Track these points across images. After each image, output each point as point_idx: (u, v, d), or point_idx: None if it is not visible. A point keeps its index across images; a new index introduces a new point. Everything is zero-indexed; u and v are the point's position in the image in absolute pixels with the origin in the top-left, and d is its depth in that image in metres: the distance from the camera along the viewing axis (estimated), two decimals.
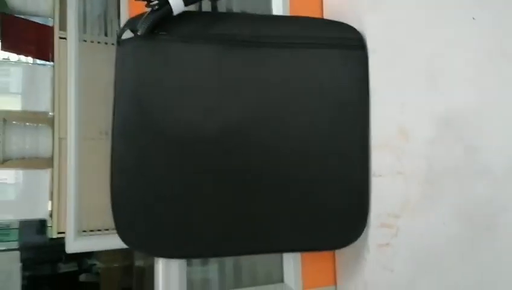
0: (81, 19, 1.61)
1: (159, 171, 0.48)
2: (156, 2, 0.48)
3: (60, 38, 1.66)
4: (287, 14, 0.60)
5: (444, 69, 0.44)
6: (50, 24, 1.68)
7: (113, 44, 1.70)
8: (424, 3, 0.47)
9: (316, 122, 0.52)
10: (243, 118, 0.50)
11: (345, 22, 0.56)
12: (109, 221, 1.60)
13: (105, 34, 1.66)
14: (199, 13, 0.52)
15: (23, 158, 1.69)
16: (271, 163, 0.50)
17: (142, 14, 0.50)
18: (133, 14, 1.53)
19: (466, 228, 0.42)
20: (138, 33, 0.48)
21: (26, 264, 2.81)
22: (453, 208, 0.43)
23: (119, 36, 0.50)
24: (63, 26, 1.69)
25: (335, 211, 0.52)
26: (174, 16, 0.49)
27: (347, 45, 0.53)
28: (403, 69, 0.49)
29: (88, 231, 1.64)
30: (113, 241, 1.59)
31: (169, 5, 0.48)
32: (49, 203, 1.73)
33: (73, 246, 1.40)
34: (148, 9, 0.49)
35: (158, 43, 0.49)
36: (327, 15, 0.62)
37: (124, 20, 1.52)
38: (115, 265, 2.73)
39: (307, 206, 0.51)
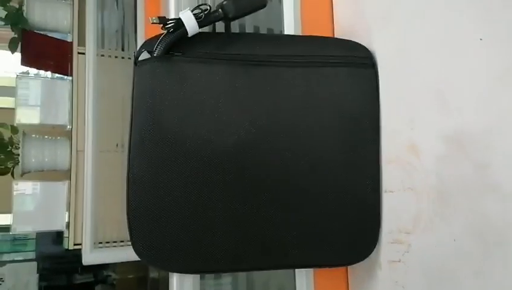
0: (99, 35, 1.65)
1: (173, 186, 0.50)
2: (172, 24, 0.50)
3: (79, 53, 1.71)
4: (299, 33, 0.61)
5: (452, 88, 0.45)
6: (69, 39, 1.73)
7: (129, 58, 1.75)
8: (431, 23, 0.48)
9: (328, 138, 0.53)
10: (256, 135, 0.51)
11: (355, 40, 0.57)
12: (124, 233, 1.62)
13: (122, 49, 1.71)
14: (213, 34, 0.54)
15: (41, 170, 1.73)
16: (283, 178, 0.51)
17: (158, 36, 0.51)
18: (149, 30, 1.57)
19: (477, 244, 0.42)
20: (154, 54, 0.50)
21: (43, 274, 2.85)
22: (464, 224, 0.43)
23: (136, 57, 0.51)
24: (81, 42, 1.74)
25: (347, 226, 0.52)
26: (189, 37, 0.51)
27: (357, 63, 0.54)
28: (412, 87, 0.50)
29: (104, 243, 1.67)
30: (129, 254, 1.61)
31: (185, 28, 0.50)
32: (66, 215, 1.76)
33: (89, 258, 1.42)
34: (164, 31, 0.51)
35: (174, 63, 0.50)
36: (338, 33, 0.63)
37: (140, 35, 1.56)
38: (130, 276, 2.76)
39: (319, 222, 0.52)
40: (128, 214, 0.50)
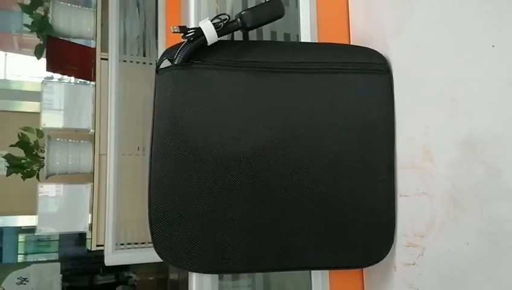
0: (121, 41, 1.69)
1: (193, 188, 0.51)
2: (192, 33, 0.52)
3: (101, 59, 1.75)
4: (315, 38, 0.63)
5: (465, 94, 0.46)
6: (92, 46, 1.77)
7: (151, 64, 1.79)
8: (445, 30, 0.48)
9: (344, 144, 0.54)
10: (273, 139, 0.53)
11: (371, 46, 0.58)
12: (145, 234, 1.65)
13: (144, 55, 1.74)
14: (231, 42, 0.56)
15: (65, 173, 1.78)
16: (300, 182, 0.53)
17: (178, 45, 0.53)
18: (170, 36, 1.60)
19: (490, 248, 0.43)
20: (175, 62, 0.52)
21: (65, 275, 2.90)
22: (477, 228, 0.44)
23: (157, 66, 0.54)
24: (104, 48, 1.78)
25: (363, 229, 0.53)
26: (208, 46, 0.53)
27: (373, 69, 0.55)
28: (426, 93, 0.51)
29: (126, 244, 1.70)
30: (150, 255, 1.64)
31: (204, 37, 0.52)
32: (89, 216, 1.81)
33: (111, 259, 1.46)
34: (184, 40, 0.53)
35: (193, 71, 0.52)
36: (354, 40, 0.64)
37: (161, 42, 1.59)
38: (150, 278, 2.80)
39: (335, 225, 0.53)
40: (149, 215, 0.52)
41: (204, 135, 0.52)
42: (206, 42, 0.53)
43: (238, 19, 0.54)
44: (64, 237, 3.17)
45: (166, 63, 0.54)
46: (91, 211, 1.72)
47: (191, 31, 0.52)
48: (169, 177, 0.52)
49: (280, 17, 0.55)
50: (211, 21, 0.53)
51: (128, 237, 1.63)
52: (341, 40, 0.65)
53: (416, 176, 0.52)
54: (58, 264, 2.71)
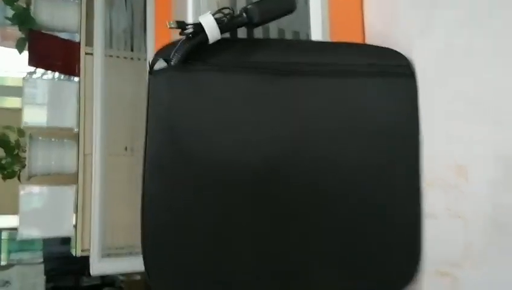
0: (108, 35, 1.60)
1: (193, 210, 0.45)
2: (191, 30, 0.45)
3: (86, 53, 1.67)
4: (327, 37, 0.56)
5: (507, 103, 0.40)
6: (76, 40, 1.68)
7: (139, 59, 1.70)
8: (478, 31, 0.42)
9: (362, 155, 0.47)
10: (283, 152, 0.46)
11: (389, 47, 0.52)
12: (134, 239, 1.57)
13: (131, 49, 1.65)
14: (235, 40, 0.49)
15: (48, 174, 1.69)
16: (313, 201, 0.46)
17: (175, 42, 0.46)
18: (159, 30, 1.52)
19: None
20: (172, 63, 0.45)
21: (50, 274, 2.82)
22: None
23: (151, 66, 0.46)
24: (89, 42, 1.69)
25: (383, 254, 0.47)
26: (209, 44, 0.46)
27: (395, 72, 0.49)
28: (458, 100, 0.45)
29: (113, 249, 1.62)
30: (138, 263, 1.57)
31: (205, 33, 0.45)
32: (73, 220, 1.72)
33: (98, 268, 1.37)
34: (182, 37, 0.46)
35: (192, 73, 0.45)
36: (370, 38, 0.57)
37: (150, 36, 1.51)
38: (137, 279, 2.72)
39: (352, 249, 0.47)
40: (143, 244, 0.45)
41: (205, 147, 0.46)
42: (207, 40, 0.46)
43: (244, 14, 0.47)
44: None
45: (161, 64, 0.47)
46: (75, 214, 1.64)
47: (189, 26, 0.45)
48: (167, 199, 0.45)
49: (291, 11, 0.48)
50: (213, 15, 0.46)
51: (115, 242, 1.55)
52: (355, 37, 0.58)
53: (447, 194, 0.45)
54: (41, 266, 2.62)
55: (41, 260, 2.92)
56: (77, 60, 1.63)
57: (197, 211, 0.46)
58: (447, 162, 0.46)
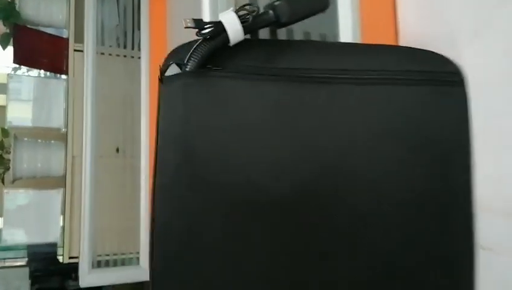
0: (99, 31, 1.52)
1: (214, 243, 0.38)
2: (210, 29, 0.38)
3: (75, 50, 1.58)
4: (357, 39, 0.49)
5: None
6: (64, 35, 1.59)
7: (132, 57, 1.62)
8: None
9: (406, 176, 0.41)
10: (319, 175, 0.39)
11: (431, 50, 0.45)
12: (125, 245, 1.49)
13: (125, 46, 1.57)
14: (259, 42, 0.42)
15: (34, 177, 1.60)
16: (352, 233, 0.40)
17: (189, 44, 0.39)
18: (155, 26, 1.44)
19: None
20: (187, 69, 0.38)
21: (35, 275, 2.74)
22: None
23: (162, 72, 0.39)
24: (77, 38, 1.60)
25: None
26: (230, 47, 0.39)
27: (443, 80, 0.43)
28: None
29: (103, 255, 1.53)
30: (128, 274, 1.49)
31: (226, 34, 0.38)
32: (60, 225, 1.64)
33: (87, 279, 1.28)
34: (198, 38, 0.39)
35: (211, 81, 0.38)
36: (405, 41, 0.51)
37: (144, 32, 1.43)
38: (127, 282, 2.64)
39: (390, 286, 0.41)
40: (152, 269, 0.38)
41: (225, 170, 0.39)
42: (228, 41, 0.39)
43: (271, 11, 0.40)
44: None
45: (173, 69, 0.40)
46: (63, 220, 1.56)
47: (208, 25, 0.38)
48: (180, 227, 0.38)
49: (324, 9, 0.42)
50: (236, 13, 0.39)
51: (106, 248, 1.47)
52: (387, 40, 0.51)
53: (507, 223, 0.39)
54: (26, 270, 2.53)
55: (26, 259, 2.82)
56: (65, 57, 1.54)
57: (213, 242, 0.39)
58: (508, 185, 0.39)
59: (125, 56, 1.51)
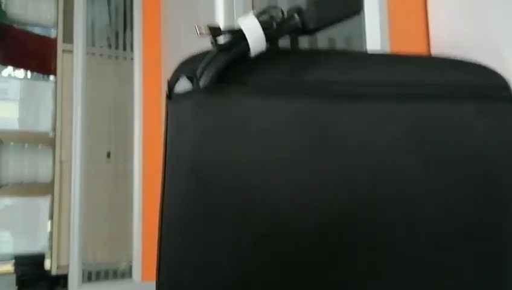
0: (89, 31, 1.45)
1: (234, 285, 0.32)
2: (229, 39, 0.32)
3: (64, 51, 1.50)
4: (386, 47, 0.44)
5: None
6: (52, 35, 1.52)
7: (125, 58, 1.55)
8: None
9: (454, 209, 0.36)
10: (352, 207, 0.34)
11: (471, 60, 0.40)
12: (117, 254, 1.43)
13: (116, 47, 1.50)
14: (282, 52, 0.36)
15: (21, 183, 1.53)
16: (387, 277, 0.34)
17: (202, 54, 0.34)
18: (149, 25, 1.38)
19: None
20: (200, 84, 0.32)
21: (21, 279, 2.65)
22: None
23: (169, 87, 0.33)
24: (66, 38, 1.53)
25: None
26: (251, 58, 0.33)
27: (489, 95, 0.38)
28: None
29: (94, 264, 1.47)
30: (119, 288, 1.43)
31: (246, 42, 0.32)
32: (48, 234, 1.57)
33: None
34: (212, 48, 0.33)
35: (229, 98, 0.33)
36: (437, 50, 0.46)
37: (137, 33, 1.36)
38: None
39: None
40: None
41: (246, 202, 0.33)
42: (249, 51, 0.33)
43: (296, 16, 0.35)
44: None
45: (184, 84, 0.34)
46: (51, 228, 1.49)
47: (225, 33, 0.33)
48: (191, 266, 0.33)
49: (357, 13, 0.36)
50: (257, 17, 0.33)
51: (97, 258, 1.40)
52: (418, 49, 0.46)
53: None
54: (13, 277, 2.45)
55: (13, 262, 2.73)
56: (53, 57, 1.47)
57: (232, 284, 0.33)
58: None
59: (116, 57, 1.44)
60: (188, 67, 0.34)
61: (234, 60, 0.33)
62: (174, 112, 0.33)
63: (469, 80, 0.38)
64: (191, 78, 0.33)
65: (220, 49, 0.33)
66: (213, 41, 0.33)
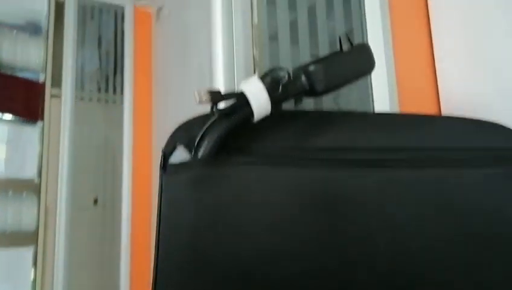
0: (78, 75, 1.42)
1: None
2: (230, 104, 0.29)
3: (52, 96, 1.47)
4: (395, 105, 0.41)
5: None
6: (40, 80, 1.49)
7: (115, 102, 1.52)
8: None
9: (481, 277, 0.32)
10: (370, 280, 0.30)
11: (486, 119, 0.38)
12: None
13: (106, 90, 1.47)
14: (288, 116, 0.33)
15: (4, 233, 1.47)
16: None
17: (201, 119, 0.30)
18: (140, 71, 1.36)
19: None
20: (199, 155, 0.29)
21: None
22: None
23: (165, 157, 0.30)
24: (54, 83, 1.50)
25: None
26: (254, 123, 0.30)
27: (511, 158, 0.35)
28: None
29: None
30: None
31: (250, 108, 0.29)
32: (31, 282, 1.49)
33: None
34: (212, 113, 0.30)
35: (232, 170, 0.29)
36: (447, 110, 0.43)
37: (128, 79, 1.34)
38: None
39: None
40: None
41: (251, 285, 0.29)
42: (252, 117, 0.30)
43: (303, 77, 0.32)
44: None
45: (181, 153, 0.30)
46: (34, 276, 1.41)
47: (227, 97, 0.29)
48: None
49: (369, 72, 0.33)
50: (262, 80, 0.30)
51: None
52: (428, 109, 0.43)
53: None
54: None
55: None
56: (40, 102, 1.44)
57: None
58: None
59: (106, 100, 1.41)
60: (186, 132, 0.31)
61: (236, 126, 0.30)
62: (169, 186, 0.30)
63: (492, 143, 0.35)
64: (188, 147, 0.30)
65: (221, 114, 0.30)
66: (213, 106, 0.29)
